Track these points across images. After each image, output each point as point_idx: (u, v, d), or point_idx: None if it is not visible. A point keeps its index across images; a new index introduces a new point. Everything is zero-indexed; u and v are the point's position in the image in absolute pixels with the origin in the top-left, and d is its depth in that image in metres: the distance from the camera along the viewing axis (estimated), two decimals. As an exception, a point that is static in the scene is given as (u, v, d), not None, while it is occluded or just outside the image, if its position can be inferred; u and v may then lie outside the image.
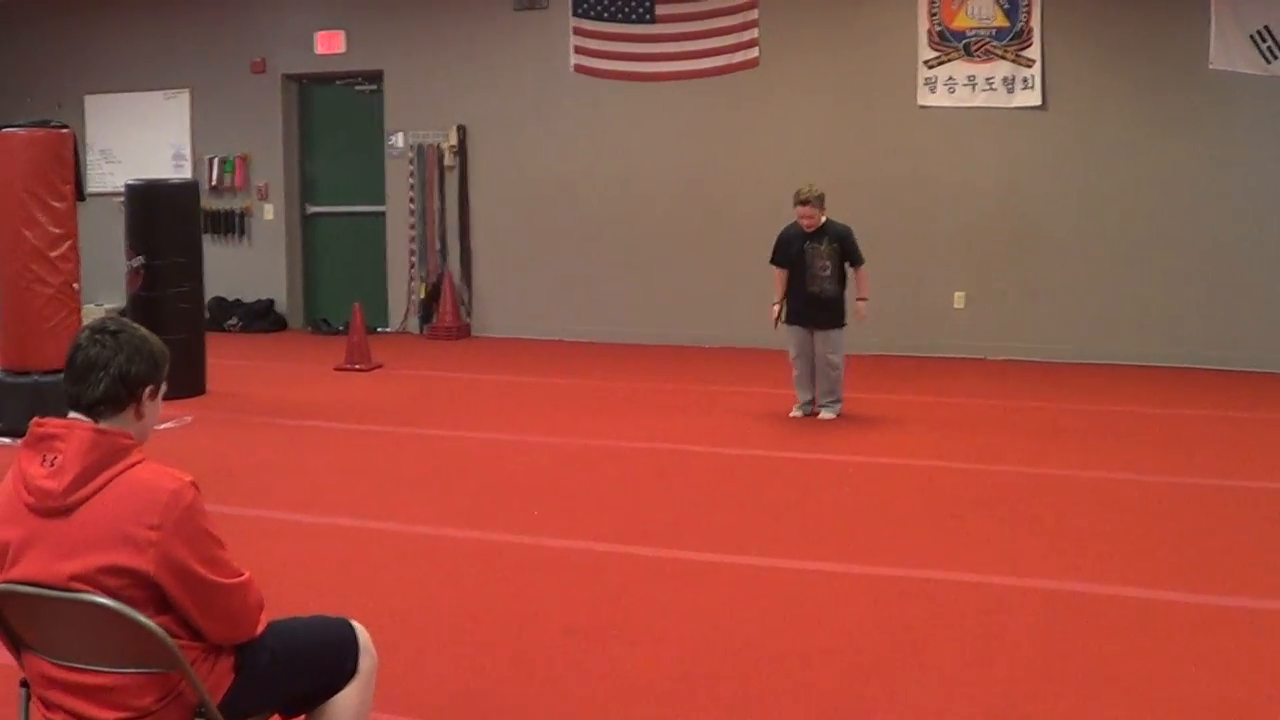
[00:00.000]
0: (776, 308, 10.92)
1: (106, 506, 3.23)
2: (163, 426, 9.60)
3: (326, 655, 3.69)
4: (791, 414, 10.93)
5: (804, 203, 10.64)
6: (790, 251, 10.83)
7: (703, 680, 5.29)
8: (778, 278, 10.94)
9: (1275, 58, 13.15)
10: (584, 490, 8.63)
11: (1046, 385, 12.65)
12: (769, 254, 10.94)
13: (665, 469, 9.24)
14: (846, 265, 10.78)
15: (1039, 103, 13.93)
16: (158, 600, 3.26)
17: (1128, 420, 11.04)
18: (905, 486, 8.71)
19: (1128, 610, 6.18)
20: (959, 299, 14.27)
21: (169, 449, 8.48)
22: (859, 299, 10.83)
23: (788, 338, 10.96)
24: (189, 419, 10.80)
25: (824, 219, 10.71)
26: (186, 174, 17.02)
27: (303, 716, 3.74)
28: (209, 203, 16.59)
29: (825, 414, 10.80)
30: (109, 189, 16.73)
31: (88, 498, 3.24)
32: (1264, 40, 13.16)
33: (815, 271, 10.69)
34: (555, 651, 5.61)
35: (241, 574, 3.44)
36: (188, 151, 17.47)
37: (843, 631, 5.86)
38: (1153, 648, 5.67)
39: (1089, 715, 4.96)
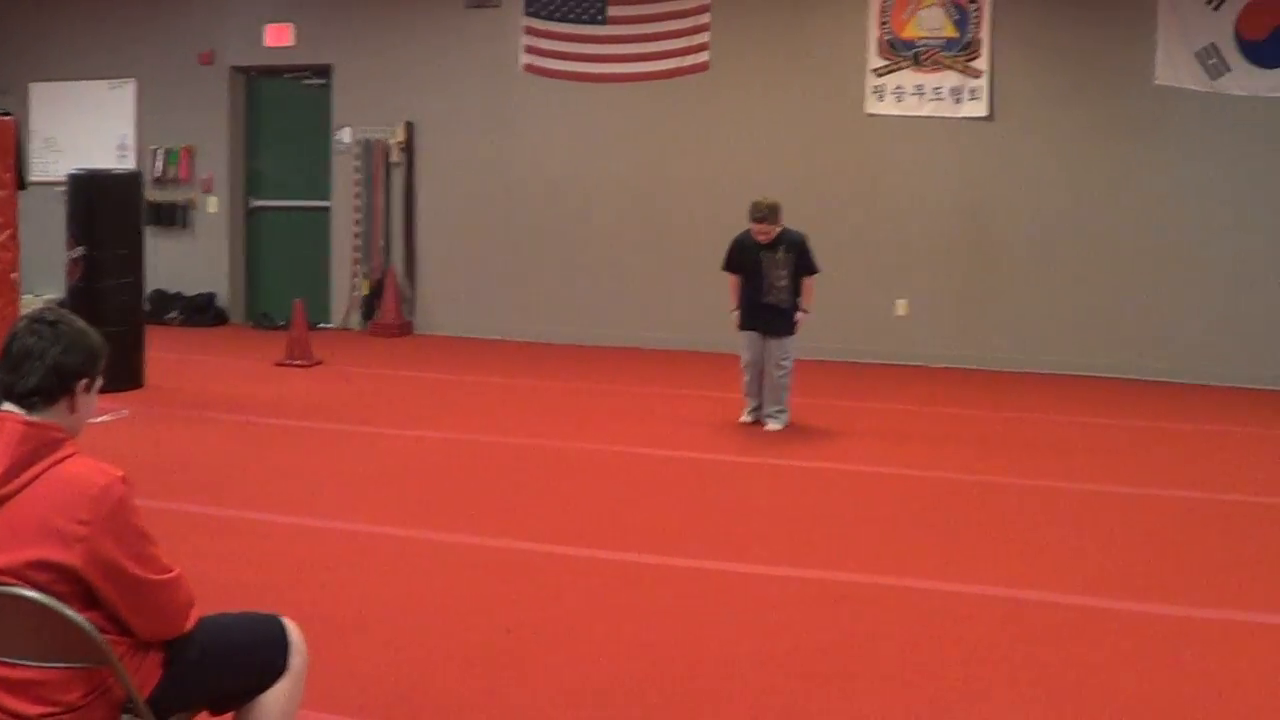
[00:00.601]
0: (736, 314, 10.85)
1: (36, 500, 3.20)
2: (99, 420, 9.53)
3: (256, 652, 3.66)
4: (742, 419, 10.90)
5: (760, 219, 10.53)
6: (745, 259, 10.73)
7: (641, 682, 5.29)
8: (731, 284, 10.87)
9: (1219, 75, 13.26)
10: (524, 490, 8.61)
11: (989, 393, 12.72)
12: (719, 259, 10.89)
13: (607, 470, 9.25)
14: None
15: (986, 113, 14.00)
16: (86, 595, 3.23)
17: (1069, 429, 11.10)
18: (847, 492, 8.74)
19: (1067, 616, 6.22)
20: (901, 306, 14.31)
21: (104, 443, 8.40)
22: (801, 310, 10.73)
23: (741, 344, 10.89)
24: (126, 412, 10.72)
25: (780, 228, 10.62)
26: (130, 165, 16.89)
27: (231, 713, 3.72)
28: (152, 194, 16.47)
29: (772, 425, 10.73)
30: (52, 178, 16.60)
31: (17, 491, 3.21)
32: (1209, 58, 13.27)
33: (771, 281, 10.62)
34: (494, 651, 5.60)
35: (171, 570, 3.41)
36: (132, 142, 17.35)
37: (782, 635, 5.87)
38: (1090, 654, 5.71)
39: (1024, 722, 5.00)
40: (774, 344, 10.68)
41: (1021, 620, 6.16)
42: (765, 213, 10.51)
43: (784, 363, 10.68)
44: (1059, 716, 5.04)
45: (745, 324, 10.81)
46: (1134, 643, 5.87)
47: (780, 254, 10.60)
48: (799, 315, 10.72)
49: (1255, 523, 8.17)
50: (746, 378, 10.91)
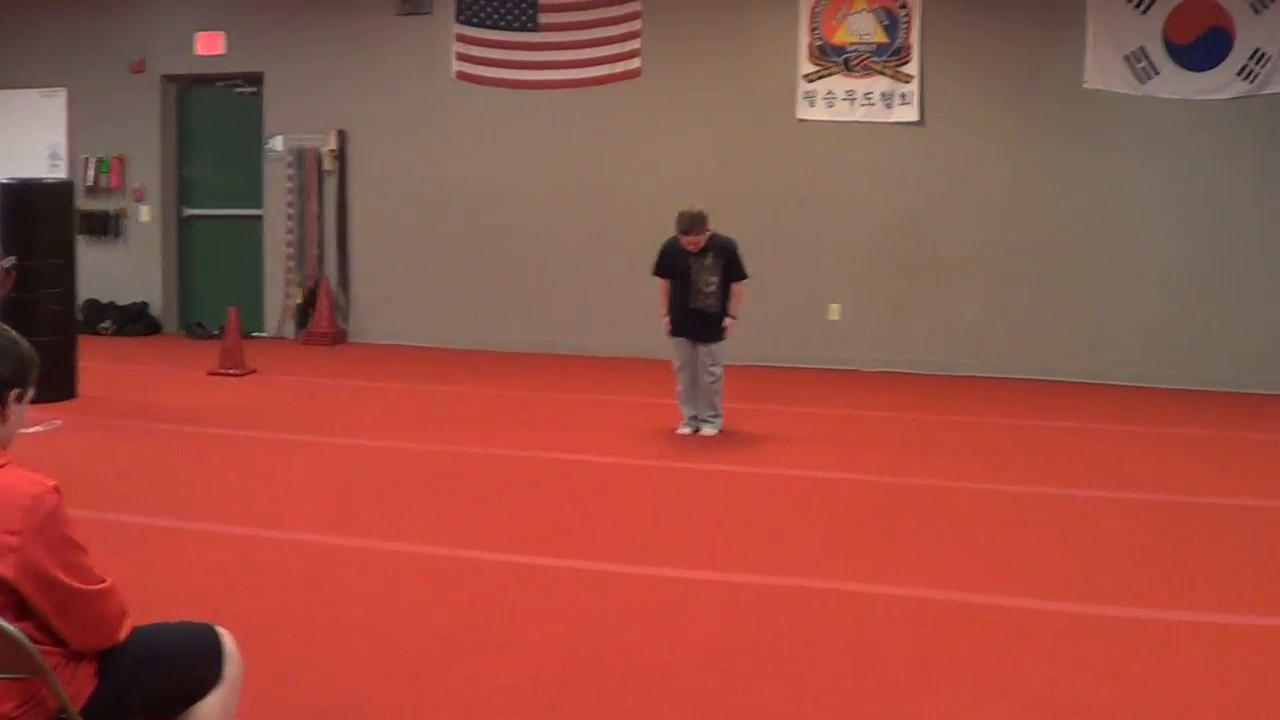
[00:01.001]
0: (667, 320, 10.82)
1: (-33, 511, 3.19)
2: (31, 430, 9.47)
3: (190, 662, 3.66)
4: (678, 431, 10.82)
5: (686, 232, 10.48)
6: (674, 265, 10.68)
7: (578, 688, 5.30)
8: (661, 289, 10.81)
9: (1149, 78, 13.40)
10: (459, 497, 8.61)
11: (921, 397, 12.80)
12: (649, 262, 10.86)
13: (542, 477, 9.24)
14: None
15: (917, 118, 14.11)
16: (18, 605, 3.22)
17: (1000, 432, 11.20)
18: (780, 496, 8.78)
19: (1001, 618, 6.27)
20: (835, 311, 14.39)
21: (37, 453, 8.36)
22: (730, 316, 10.68)
23: (673, 350, 10.86)
24: (58, 423, 10.66)
25: (708, 233, 10.57)
26: (62, 174, 16.77)
27: (166, 723, 3.72)
28: (84, 203, 16.40)
29: (707, 429, 10.75)
30: (-18, 187, 16.53)
31: (-52, 502, 3.20)
32: (1138, 61, 13.41)
33: (700, 287, 10.58)
34: (429, 659, 5.60)
35: (103, 580, 3.40)
36: (64, 151, 17.23)
37: (718, 640, 5.89)
38: (1026, 655, 5.76)
39: (955, 723, 5.04)
40: (704, 350, 10.67)
41: (962, 622, 6.20)
42: (690, 224, 10.45)
43: (714, 369, 10.66)
44: (999, 716, 5.08)
45: (675, 330, 10.77)
46: (1072, 644, 5.93)
47: (709, 259, 10.56)
48: (727, 321, 10.69)
49: (1191, 523, 8.26)
50: (680, 385, 10.86)
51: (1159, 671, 5.61)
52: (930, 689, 5.36)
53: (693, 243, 10.49)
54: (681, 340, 10.76)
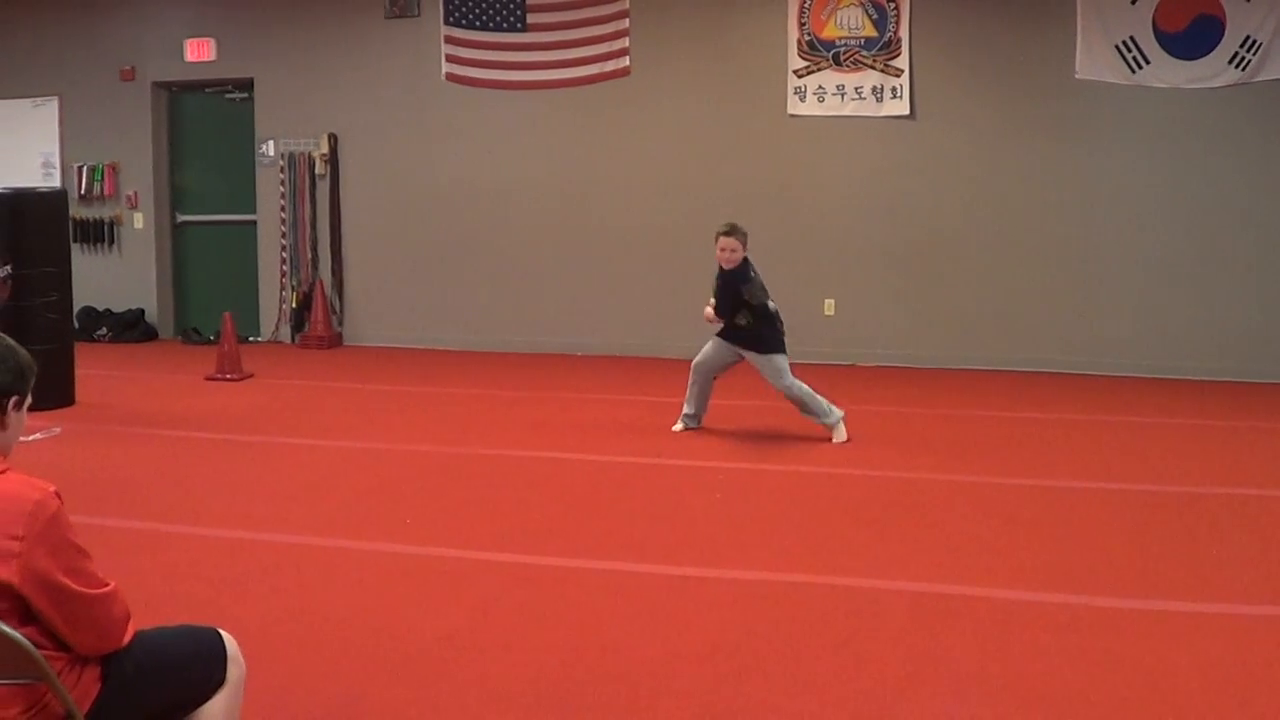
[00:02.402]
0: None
1: (-31, 518, 3.21)
2: (30, 438, 9.50)
3: (194, 665, 3.69)
4: (674, 428, 10.79)
5: (729, 232, 10.34)
6: (717, 280, 10.46)
7: (575, 686, 5.32)
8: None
9: (1140, 68, 13.42)
10: (456, 498, 8.61)
11: (914, 391, 12.82)
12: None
13: (538, 476, 9.25)
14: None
15: (908, 112, 14.12)
16: (22, 611, 3.24)
17: (995, 425, 11.22)
18: (773, 492, 8.78)
19: (995, 611, 6.29)
20: (829, 306, 14.41)
21: (37, 460, 8.40)
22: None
23: (710, 346, 10.63)
24: (57, 430, 10.67)
25: (744, 255, 10.40)
26: (55, 182, 16.78)
27: (171, 726, 3.74)
28: (78, 211, 16.43)
29: (837, 437, 10.49)
30: (-25, 197, 16.54)
31: (-50, 509, 3.22)
32: (1129, 50, 13.43)
33: (738, 306, 10.39)
34: (428, 660, 5.62)
35: (107, 584, 3.43)
36: (56, 159, 17.22)
37: (712, 636, 5.91)
38: (1020, 648, 5.78)
39: (958, 716, 5.05)
40: (761, 363, 10.51)
41: (956, 615, 6.22)
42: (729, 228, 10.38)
43: (783, 382, 10.49)
44: (997, 711, 5.11)
45: (719, 333, 10.59)
46: (1069, 636, 5.94)
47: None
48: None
49: (1189, 514, 8.26)
50: (690, 383, 10.72)
51: (1158, 663, 5.62)
52: (926, 683, 5.38)
53: (732, 247, 10.33)
54: (719, 341, 10.61)
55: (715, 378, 10.80)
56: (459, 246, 15.72)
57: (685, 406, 10.84)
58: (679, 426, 10.81)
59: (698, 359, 10.70)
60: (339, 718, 5.04)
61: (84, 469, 9.33)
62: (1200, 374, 13.44)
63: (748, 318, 10.42)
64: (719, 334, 10.60)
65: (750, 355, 10.54)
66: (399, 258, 16.01)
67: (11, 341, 3.53)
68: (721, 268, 10.40)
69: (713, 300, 10.52)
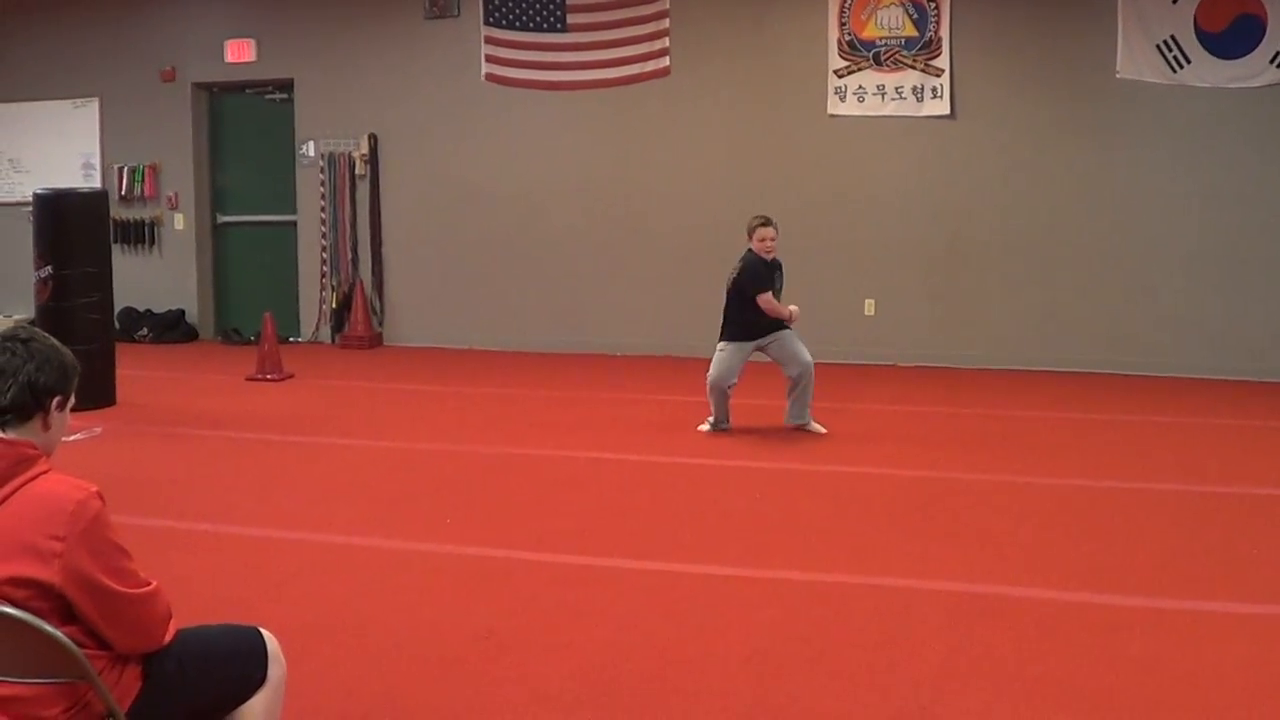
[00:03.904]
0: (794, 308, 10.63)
1: (11, 518, 3.22)
2: (72, 438, 9.55)
3: (234, 664, 3.69)
4: (701, 427, 10.77)
5: (768, 223, 10.58)
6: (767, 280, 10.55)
7: (612, 685, 5.32)
8: (773, 305, 10.55)
9: (1180, 67, 13.36)
10: (496, 498, 8.62)
11: (956, 391, 12.78)
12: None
13: (576, 476, 9.26)
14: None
15: (948, 111, 14.07)
16: (63, 610, 3.25)
17: (1037, 425, 11.17)
18: (810, 492, 8.77)
19: (1034, 611, 6.26)
20: (869, 306, 14.37)
21: (78, 460, 8.42)
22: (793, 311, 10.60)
23: (726, 355, 10.58)
24: (99, 430, 10.71)
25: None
26: (96, 183, 16.87)
27: (211, 725, 3.74)
28: (119, 212, 16.49)
29: (816, 427, 10.69)
30: (17, 198, 16.65)
31: (-8, 509, 3.23)
32: (1170, 50, 13.36)
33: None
34: (468, 659, 5.62)
35: (148, 584, 3.43)
36: (97, 161, 17.31)
37: (751, 636, 5.90)
38: (1058, 648, 5.74)
39: (996, 716, 5.03)
40: (787, 336, 10.60)
41: (996, 616, 6.20)
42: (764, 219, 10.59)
43: (808, 356, 10.58)
44: (1037, 711, 5.08)
45: (738, 335, 10.60)
46: (1107, 636, 5.91)
47: (781, 274, 10.71)
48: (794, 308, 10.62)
49: (1226, 514, 8.22)
50: (721, 391, 10.63)
51: (1197, 664, 5.59)
52: (964, 683, 5.35)
53: (772, 237, 10.55)
54: (742, 344, 10.60)
55: (731, 389, 10.72)
56: (499, 246, 15.73)
57: (713, 414, 10.78)
58: (705, 427, 10.77)
59: (716, 376, 10.60)
60: (378, 716, 5.04)
61: (125, 469, 9.36)
62: (1240, 374, 13.35)
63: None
64: (736, 338, 10.60)
65: (781, 335, 10.60)
66: (439, 258, 16.03)
67: (56, 342, 3.54)
68: (763, 260, 10.49)
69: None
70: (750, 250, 10.59)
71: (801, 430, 10.66)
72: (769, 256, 10.55)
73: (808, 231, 14.05)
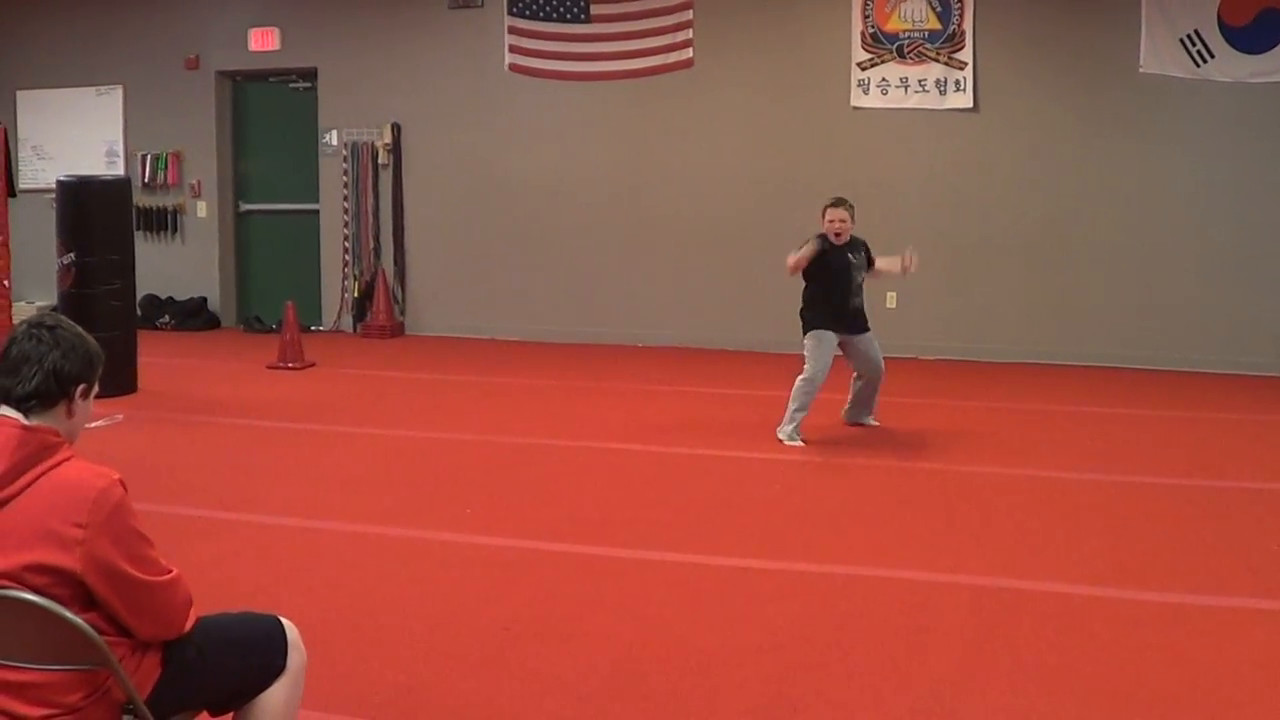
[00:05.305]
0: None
1: (33, 504, 3.23)
2: (94, 425, 9.57)
3: (255, 652, 3.69)
4: (795, 443, 10.03)
5: (838, 204, 10.34)
6: (830, 261, 10.16)
7: (634, 677, 5.32)
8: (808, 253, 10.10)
9: (1204, 61, 13.31)
10: (517, 488, 8.63)
11: (977, 384, 12.76)
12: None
13: (597, 467, 9.27)
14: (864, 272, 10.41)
15: (971, 105, 14.04)
16: (84, 597, 3.26)
17: (1056, 419, 11.14)
18: (833, 485, 8.77)
19: (1056, 606, 6.26)
20: (891, 299, 14.33)
21: (100, 447, 8.45)
22: (903, 258, 10.53)
23: (820, 347, 10.11)
24: (120, 417, 10.74)
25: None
26: (119, 170, 16.90)
27: (231, 714, 3.75)
28: (141, 200, 16.54)
29: (872, 421, 10.65)
30: (41, 185, 16.68)
31: (14, 495, 3.24)
32: (1193, 44, 13.31)
33: (858, 283, 10.27)
34: (489, 649, 5.63)
35: (169, 571, 3.44)
36: (120, 148, 17.34)
37: (772, 628, 5.90)
38: (1080, 643, 5.74)
39: (1017, 711, 5.02)
40: (865, 340, 10.29)
41: (1017, 610, 6.19)
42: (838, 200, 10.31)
43: (881, 362, 10.40)
44: (1057, 705, 5.07)
45: (827, 324, 10.14)
46: (1130, 631, 5.92)
47: (859, 258, 10.33)
48: (907, 257, 10.52)
49: (1247, 508, 8.20)
50: (811, 390, 10.08)
51: (1220, 659, 5.58)
52: (987, 676, 5.35)
53: (842, 219, 10.29)
54: (831, 334, 10.13)
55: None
56: (521, 236, 15.73)
57: (796, 416, 10.08)
58: (799, 442, 10.01)
59: (817, 374, 10.06)
60: (398, 705, 5.05)
61: (146, 456, 9.39)
62: (1263, 370, 13.30)
63: (860, 295, 10.33)
64: (828, 327, 10.14)
65: (860, 339, 10.29)
66: (461, 247, 16.04)
67: (81, 330, 3.55)
68: (831, 243, 10.21)
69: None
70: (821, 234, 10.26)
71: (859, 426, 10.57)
72: (839, 240, 10.22)
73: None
